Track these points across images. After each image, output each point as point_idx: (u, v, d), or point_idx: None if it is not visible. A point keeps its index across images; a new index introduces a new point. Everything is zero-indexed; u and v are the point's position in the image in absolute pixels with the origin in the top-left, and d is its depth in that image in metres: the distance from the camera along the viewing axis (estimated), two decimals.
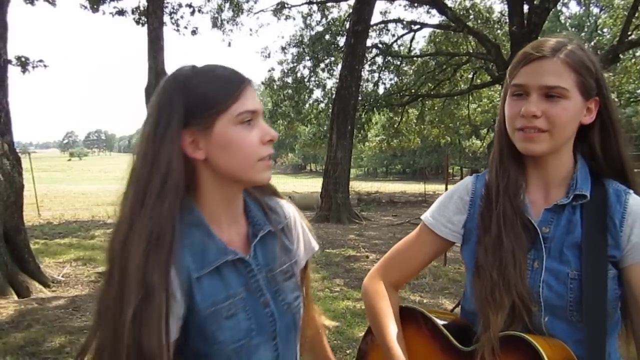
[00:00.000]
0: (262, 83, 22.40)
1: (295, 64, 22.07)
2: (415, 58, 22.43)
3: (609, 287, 1.09)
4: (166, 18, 13.63)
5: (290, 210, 1.28)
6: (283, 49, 21.91)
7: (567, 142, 1.18)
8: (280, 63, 22.37)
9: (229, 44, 19.79)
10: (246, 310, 1.07)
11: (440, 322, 1.27)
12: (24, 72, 7.58)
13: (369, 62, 22.07)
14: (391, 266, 1.37)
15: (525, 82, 1.13)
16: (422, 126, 25.64)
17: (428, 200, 22.53)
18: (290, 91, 21.90)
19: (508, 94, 1.19)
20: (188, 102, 1.01)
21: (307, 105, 23.00)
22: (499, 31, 21.23)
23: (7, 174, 6.21)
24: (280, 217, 1.23)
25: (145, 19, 12.93)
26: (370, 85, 22.46)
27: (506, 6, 17.37)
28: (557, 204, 1.17)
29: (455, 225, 1.29)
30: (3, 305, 5.24)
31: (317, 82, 22.67)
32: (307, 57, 21.62)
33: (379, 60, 21.77)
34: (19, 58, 7.55)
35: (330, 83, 22.09)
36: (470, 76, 22.91)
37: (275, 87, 21.87)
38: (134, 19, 14.04)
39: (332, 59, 20.99)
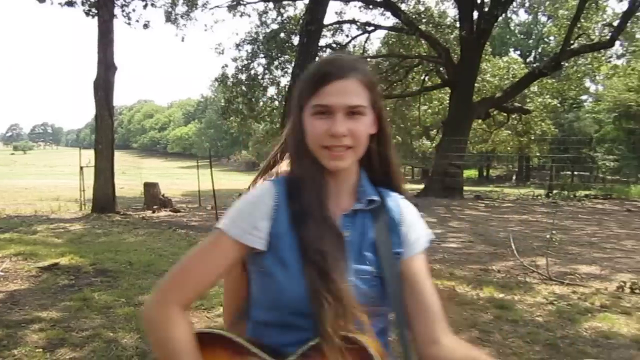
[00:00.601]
0: (216, 79, 22.30)
1: (249, 61, 22.08)
2: (368, 59, 22.78)
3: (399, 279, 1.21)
4: (117, 10, 13.45)
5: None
6: (237, 45, 21.91)
7: None
8: (235, 60, 22.34)
9: (182, 39, 19.62)
10: None
11: (242, 340, 1.19)
12: None
13: None
14: (183, 285, 1.18)
15: (331, 103, 1.16)
16: None
17: None
18: (243, 88, 21.87)
19: (309, 113, 1.19)
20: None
21: (260, 103, 23.01)
22: (450, 35, 21.86)
23: None
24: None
25: (96, 11, 12.71)
26: None
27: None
28: (353, 209, 1.24)
29: (261, 232, 1.19)
30: None
31: (271, 80, 22.74)
32: (262, 55, 21.66)
33: None
34: None
35: (284, 81, 22.23)
36: (422, 78, 23.45)
37: (229, 83, 21.78)
38: (83, 10, 13.76)
39: (287, 57, 21.09)
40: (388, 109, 25.46)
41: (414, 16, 19.37)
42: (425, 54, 21.25)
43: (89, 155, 16.15)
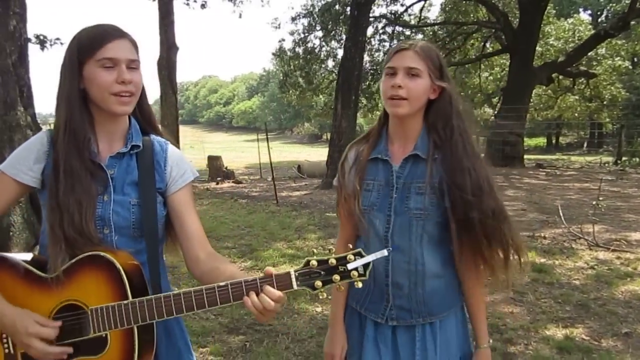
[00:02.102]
0: (273, 54, 22.69)
1: (306, 34, 22.28)
2: (425, 28, 22.44)
3: (158, 210, 1.53)
4: None
5: None
6: (293, 19, 22.10)
7: None
8: (292, 33, 22.60)
9: (240, 15, 20.09)
10: (379, 192, 1.69)
11: (19, 259, 1.45)
12: (42, 49, 8.09)
13: (379, 32, 22.20)
14: None
15: (117, 56, 1.42)
16: None
17: None
18: (301, 61, 22.15)
19: (96, 66, 1.43)
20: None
21: (318, 75, 23.25)
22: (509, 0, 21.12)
23: None
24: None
25: None
26: (381, 55, 22.61)
27: None
28: (119, 152, 1.52)
29: (36, 173, 1.47)
30: None
31: (328, 52, 22.90)
32: (318, 28, 21.81)
33: (389, 30, 21.85)
34: (37, 36, 8.06)
35: (342, 53, 22.29)
36: (481, 45, 22.85)
37: (285, 57, 22.12)
38: None
39: (343, 29, 21.15)
40: None
41: None
42: (484, 19, 20.69)
43: None
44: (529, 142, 49.26)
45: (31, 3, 7.10)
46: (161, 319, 1.34)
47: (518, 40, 19.00)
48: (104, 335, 1.36)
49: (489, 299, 4.91)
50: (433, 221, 1.65)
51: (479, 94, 27.89)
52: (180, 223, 1.56)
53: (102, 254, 1.37)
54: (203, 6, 14.91)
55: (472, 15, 21.35)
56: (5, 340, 1.42)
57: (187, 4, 15.03)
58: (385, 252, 1.30)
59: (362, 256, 1.29)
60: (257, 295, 1.28)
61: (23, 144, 1.53)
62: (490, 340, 1.77)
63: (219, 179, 16.36)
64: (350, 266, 1.29)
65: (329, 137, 16.18)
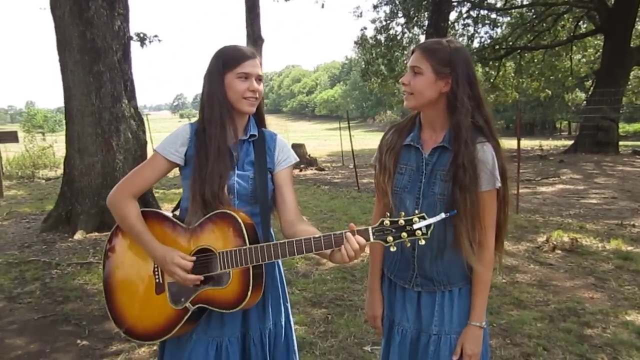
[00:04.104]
0: (355, 42, 22.86)
1: (388, 22, 22.25)
2: (511, 10, 21.67)
3: (268, 183, 1.97)
4: None
5: None
6: (375, 7, 22.14)
7: None
8: (373, 21, 22.64)
9: (322, 6, 20.37)
10: (410, 176, 1.92)
11: (169, 215, 1.95)
12: (142, 46, 8.84)
13: (463, 16, 21.75)
14: (133, 184, 1.93)
15: (250, 72, 1.90)
16: (521, 80, 24.83)
17: (522, 156, 21.88)
18: (383, 49, 22.17)
19: (233, 77, 1.91)
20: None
21: (400, 62, 23.16)
22: None
23: (134, 132, 7.52)
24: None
25: None
26: (465, 40, 22.15)
27: None
28: (241, 139, 1.97)
29: (180, 153, 1.93)
30: None
31: (410, 39, 22.73)
32: (400, 14, 21.71)
33: (473, 13, 21.33)
34: (138, 34, 8.80)
35: (424, 39, 22.06)
36: (572, 26, 21.71)
37: (367, 45, 22.23)
38: None
39: (425, 15, 20.90)
40: (535, 60, 24.07)
41: None
42: None
43: None
44: (627, 127, 46.15)
45: (133, 2, 7.78)
46: (270, 261, 1.73)
47: (613, 20, 17.96)
48: (227, 272, 1.77)
49: (569, 284, 4.94)
50: None
51: (570, 78, 26.56)
52: (280, 194, 2.00)
53: (229, 211, 1.80)
54: None
55: None
56: (157, 273, 1.90)
57: None
58: (443, 215, 1.60)
59: (425, 219, 1.58)
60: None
61: (172, 132, 2.00)
62: (486, 322, 1.94)
63: (302, 166, 16.87)
64: (415, 226, 1.57)
65: None
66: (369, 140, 31.17)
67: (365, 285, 4.91)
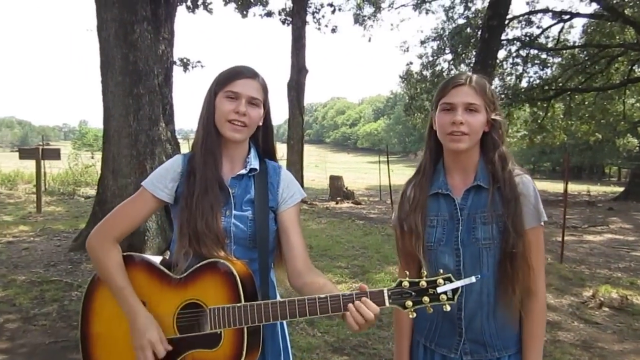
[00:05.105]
0: (400, 77, 22.73)
1: (434, 58, 22.06)
2: (563, 50, 21.16)
3: (270, 225, 1.72)
4: (309, 17, 14.67)
5: None
6: (422, 42, 22.01)
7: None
8: (420, 57, 22.48)
9: (369, 39, 20.49)
10: (443, 227, 1.68)
11: (154, 261, 1.68)
12: (185, 71, 8.93)
13: (512, 55, 21.36)
14: (115, 225, 1.68)
15: (238, 90, 1.66)
16: (570, 122, 24.07)
17: (568, 201, 21.10)
18: (428, 84, 21.95)
19: (221, 96, 1.69)
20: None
21: None
22: None
23: (169, 156, 7.47)
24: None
25: (290, 19, 14.08)
26: (513, 79, 21.72)
27: None
28: (239, 174, 1.72)
29: (170, 190, 1.70)
30: None
31: None
32: (447, 51, 21.51)
33: (523, 53, 20.93)
34: (181, 60, 8.90)
35: None
36: (627, 69, 20.99)
37: (412, 80, 22.07)
38: (280, 19, 15.27)
39: (473, 52, 20.63)
40: (586, 102, 23.34)
41: (616, 0, 17.43)
42: (631, 41, 19.04)
43: (282, 149, 17.91)
44: None
45: (178, 28, 7.91)
46: (268, 322, 1.50)
47: None
48: (219, 332, 1.53)
49: (617, 348, 4.50)
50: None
51: (622, 122, 25.58)
52: (286, 237, 1.74)
53: (222, 261, 1.57)
54: (334, 30, 15.47)
55: (617, 37, 19.75)
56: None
57: (319, 29, 15.69)
58: (473, 279, 1.35)
59: (451, 281, 1.34)
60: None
61: (162, 164, 1.78)
62: None
63: (338, 198, 16.65)
64: (439, 290, 1.32)
65: None
66: (408, 175, 30.69)
67: (392, 333, 4.59)
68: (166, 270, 1.65)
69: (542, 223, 1.64)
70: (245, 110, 1.65)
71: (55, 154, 11.76)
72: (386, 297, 1.37)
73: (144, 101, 7.12)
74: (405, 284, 1.36)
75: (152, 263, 1.69)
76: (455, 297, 1.33)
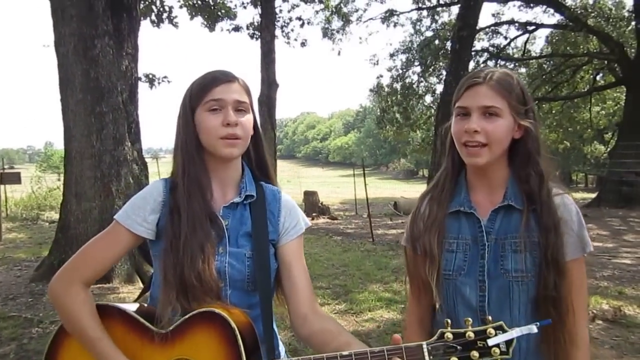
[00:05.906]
0: (371, 90, 22.76)
1: (404, 70, 22.15)
2: (529, 61, 21.49)
3: (271, 262, 1.41)
4: (277, 31, 14.47)
5: None
6: (392, 55, 22.11)
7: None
8: (389, 69, 22.57)
9: (339, 53, 20.38)
10: (465, 253, 1.40)
11: (132, 311, 1.37)
12: (151, 87, 8.56)
13: (481, 66, 21.57)
14: (84, 266, 1.35)
15: (223, 97, 1.36)
16: (539, 130, 24.43)
17: None
18: (399, 97, 22.00)
19: (203, 109, 1.38)
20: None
21: (416, 111, 22.94)
22: (625, 29, 19.71)
23: (136, 177, 7.08)
24: None
25: (259, 34, 13.84)
26: None
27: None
28: (232, 202, 1.42)
29: (150, 224, 1.38)
30: (131, 292, 6.01)
31: (427, 88, 22.57)
32: (416, 63, 21.63)
33: (491, 64, 21.18)
34: (147, 75, 8.53)
35: (440, 88, 21.92)
36: (592, 77, 21.45)
37: (383, 93, 22.09)
38: (248, 34, 15.03)
39: (442, 63, 20.78)
40: (554, 111, 23.71)
41: (580, 11, 17.77)
42: (595, 50, 19.43)
43: None
44: None
45: (142, 43, 7.59)
46: None
47: (635, 72, 17.59)
48: None
49: None
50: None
51: (589, 130, 26.11)
52: (289, 275, 1.44)
53: (216, 311, 1.27)
54: (303, 44, 15.28)
55: (581, 46, 20.16)
56: None
57: (288, 43, 15.52)
58: (534, 329, 1.04)
59: (504, 330, 1.03)
60: None
61: (139, 192, 1.46)
62: None
63: (314, 214, 16.35)
64: (491, 342, 1.02)
65: (425, 173, 15.66)
66: (382, 188, 30.78)
67: None
68: (146, 323, 1.33)
69: (586, 254, 1.38)
70: (235, 120, 1.35)
71: (15, 178, 11.16)
72: (426, 354, 1.07)
73: (107, 119, 6.71)
74: (449, 335, 1.06)
75: (129, 314, 1.36)
76: (510, 350, 1.03)
